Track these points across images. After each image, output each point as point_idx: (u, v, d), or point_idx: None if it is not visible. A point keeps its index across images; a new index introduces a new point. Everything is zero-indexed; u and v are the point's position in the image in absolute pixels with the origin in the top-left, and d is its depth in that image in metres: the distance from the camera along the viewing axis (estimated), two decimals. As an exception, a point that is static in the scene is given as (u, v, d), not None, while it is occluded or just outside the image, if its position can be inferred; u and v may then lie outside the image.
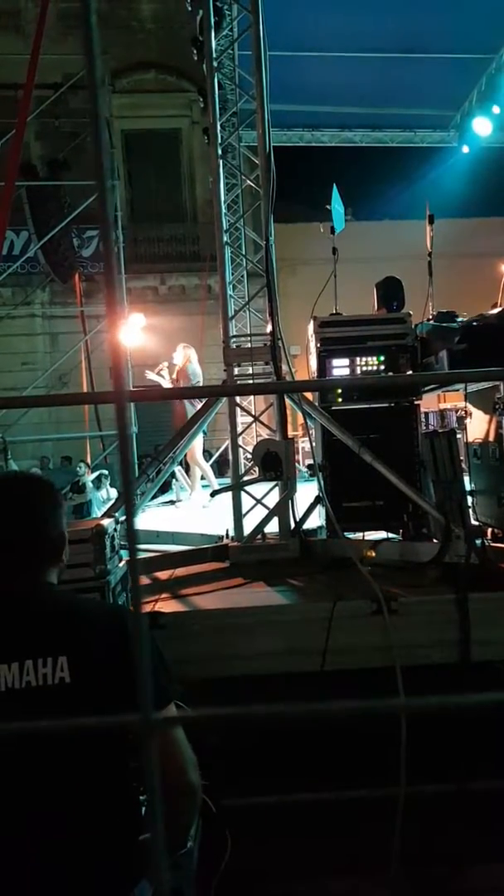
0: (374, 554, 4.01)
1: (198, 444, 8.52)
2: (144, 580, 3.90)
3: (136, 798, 1.75)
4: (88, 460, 12.91)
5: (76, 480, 11.47)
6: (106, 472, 11.76)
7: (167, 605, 3.29)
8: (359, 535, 4.52)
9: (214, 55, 5.34)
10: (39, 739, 1.46)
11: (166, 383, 9.27)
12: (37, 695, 1.48)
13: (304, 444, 10.72)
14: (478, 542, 3.80)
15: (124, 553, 4.07)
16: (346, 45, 11.00)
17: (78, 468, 11.84)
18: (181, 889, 2.45)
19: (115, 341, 0.50)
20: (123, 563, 2.75)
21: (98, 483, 11.41)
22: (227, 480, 6.10)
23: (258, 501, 4.68)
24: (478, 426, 4.59)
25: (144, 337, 14.64)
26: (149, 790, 0.42)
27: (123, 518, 5.01)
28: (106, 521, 2.55)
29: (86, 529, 2.43)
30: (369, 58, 11.38)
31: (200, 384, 9.02)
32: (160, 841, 0.41)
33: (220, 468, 10.76)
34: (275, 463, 4.36)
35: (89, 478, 11.51)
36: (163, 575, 4.05)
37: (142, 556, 4.43)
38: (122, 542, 4.78)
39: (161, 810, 0.44)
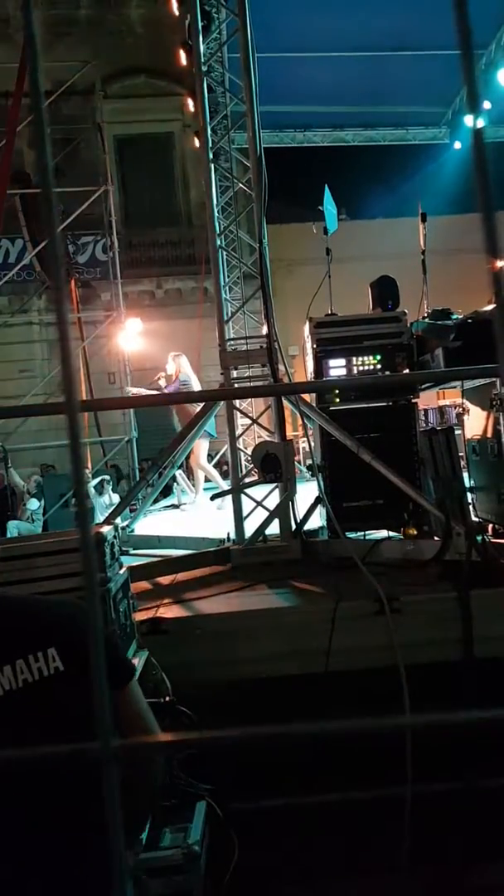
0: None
1: (202, 447, 8.52)
2: (146, 585, 3.91)
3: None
4: (90, 466, 12.90)
5: (78, 486, 11.47)
6: (108, 476, 11.73)
7: (169, 611, 3.30)
8: (360, 535, 4.53)
9: (203, 59, 5.35)
10: (25, 735, 1.51)
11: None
12: (36, 689, 1.54)
13: (303, 444, 10.73)
14: (479, 538, 3.81)
15: (125, 559, 4.08)
16: (336, 44, 11.03)
17: (80, 474, 11.82)
18: (191, 893, 2.46)
19: (66, 349, 0.50)
20: (124, 569, 2.75)
21: (100, 488, 11.40)
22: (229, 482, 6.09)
23: (258, 504, 4.68)
24: (476, 423, 4.59)
25: (142, 341, 14.64)
26: (110, 817, 0.42)
27: (124, 524, 5.02)
28: (105, 529, 2.55)
29: (85, 537, 2.43)
30: (359, 57, 11.42)
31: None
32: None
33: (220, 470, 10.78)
34: (274, 465, 4.36)
35: (91, 483, 11.50)
36: (165, 580, 4.05)
37: (143, 561, 4.43)
38: (125, 549, 4.80)
39: (122, 836, 0.44)
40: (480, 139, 0.52)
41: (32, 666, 1.55)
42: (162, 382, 9.40)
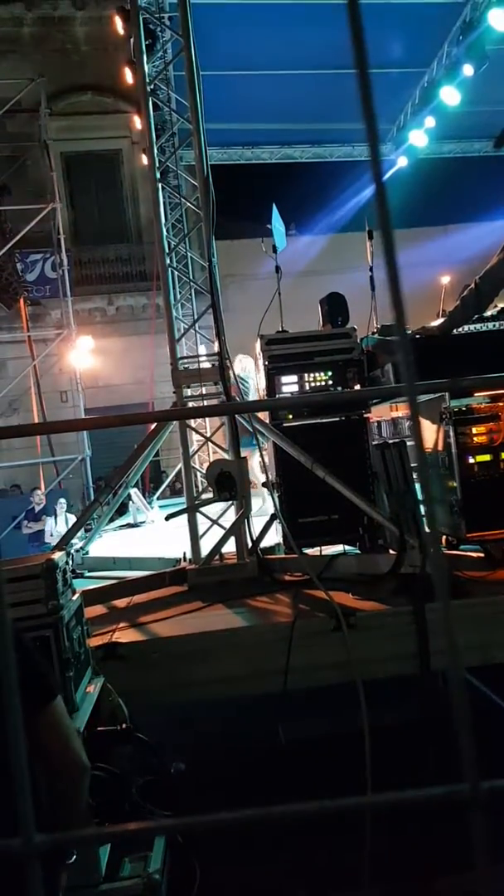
0: None
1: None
2: (102, 609, 3.85)
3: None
4: (42, 486, 12.70)
5: (30, 508, 11.27)
6: (63, 499, 11.53)
7: (125, 635, 3.25)
8: (316, 550, 4.53)
9: (149, 78, 5.35)
10: None
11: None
12: None
13: (258, 458, 10.71)
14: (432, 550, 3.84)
15: (80, 583, 4.02)
16: (282, 62, 11.15)
17: (32, 496, 11.62)
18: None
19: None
20: (77, 595, 2.71)
21: (54, 510, 11.21)
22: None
23: (214, 522, 4.66)
24: (427, 436, 4.64)
25: (94, 359, 14.54)
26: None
27: (76, 548, 4.95)
28: (57, 555, 2.51)
29: (36, 565, 2.38)
30: (305, 75, 11.55)
31: (250, 393, 8.52)
32: None
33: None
34: (229, 483, 4.35)
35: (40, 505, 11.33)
36: (120, 603, 4.00)
37: (99, 584, 4.36)
38: (79, 571, 4.73)
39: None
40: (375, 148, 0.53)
41: None
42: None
